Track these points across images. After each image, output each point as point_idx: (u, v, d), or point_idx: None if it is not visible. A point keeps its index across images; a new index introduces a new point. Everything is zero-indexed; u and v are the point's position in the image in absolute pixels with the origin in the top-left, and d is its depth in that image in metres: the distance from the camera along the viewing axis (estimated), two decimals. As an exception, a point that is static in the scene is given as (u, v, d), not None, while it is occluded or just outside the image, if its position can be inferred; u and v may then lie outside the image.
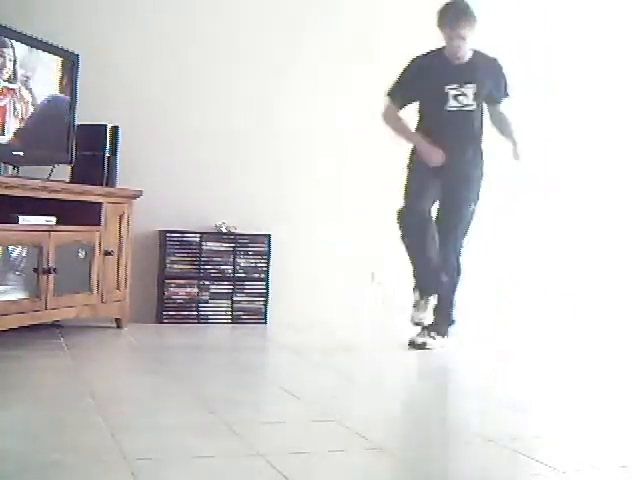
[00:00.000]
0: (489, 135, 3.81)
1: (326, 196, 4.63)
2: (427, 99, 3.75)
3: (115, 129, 3.88)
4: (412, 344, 3.66)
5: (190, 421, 2.18)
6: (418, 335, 3.68)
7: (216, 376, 2.91)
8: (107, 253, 3.68)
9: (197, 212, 4.32)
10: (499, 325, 4.59)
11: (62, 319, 3.56)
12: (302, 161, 4.58)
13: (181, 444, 1.93)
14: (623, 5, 5.28)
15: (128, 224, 3.86)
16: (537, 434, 2.23)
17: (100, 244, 3.65)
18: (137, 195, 3.89)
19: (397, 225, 3.64)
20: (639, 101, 5.38)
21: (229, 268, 4.27)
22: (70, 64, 3.67)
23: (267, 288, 4.34)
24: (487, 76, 3.71)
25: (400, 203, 3.69)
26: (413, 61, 3.76)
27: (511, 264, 4.92)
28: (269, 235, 4.36)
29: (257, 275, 4.32)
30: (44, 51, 3.50)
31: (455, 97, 3.66)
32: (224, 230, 4.30)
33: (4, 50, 3.29)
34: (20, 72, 3.38)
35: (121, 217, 3.81)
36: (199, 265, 4.22)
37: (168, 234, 4.17)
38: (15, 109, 3.37)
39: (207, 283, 4.23)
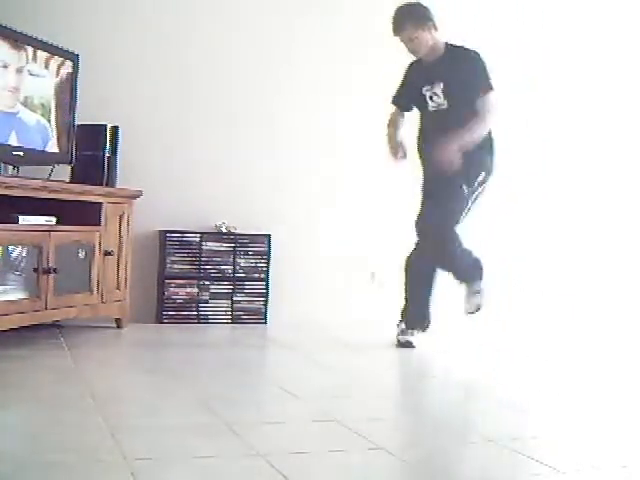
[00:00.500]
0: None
1: (326, 196, 4.63)
2: (416, 102, 3.78)
3: (115, 129, 3.88)
4: (398, 343, 3.73)
5: (190, 421, 2.18)
6: (401, 334, 3.74)
7: (216, 376, 2.91)
8: (107, 253, 3.68)
9: (197, 212, 4.32)
10: (501, 322, 4.59)
11: (62, 319, 3.56)
12: (302, 161, 4.58)
13: (181, 444, 1.93)
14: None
15: (128, 224, 3.86)
16: (537, 434, 2.23)
17: (100, 244, 3.65)
18: (137, 195, 3.89)
19: None
20: (637, 100, 5.39)
21: (229, 268, 4.27)
22: (70, 64, 3.67)
23: (267, 288, 4.34)
24: (458, 71, 3.58)
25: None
26: (409, 66, 3.82)
27: (508, 262, 4.91)
28: (269, 235, 4.36)
29: (257, 275, 4.32)
30: (44, 51, 3.50)
31: (430, 98, 3.68)
32: (224, 230, 4.30)
33: (4, 50, 3.28)
34: (20, 72, 3.38)
35: (121, 217, 3.81)
36: (199, 265, 4.22)
37: (168, 234, 4.17)
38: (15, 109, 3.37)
39: (207, 283, 4.24)
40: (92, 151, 3.81)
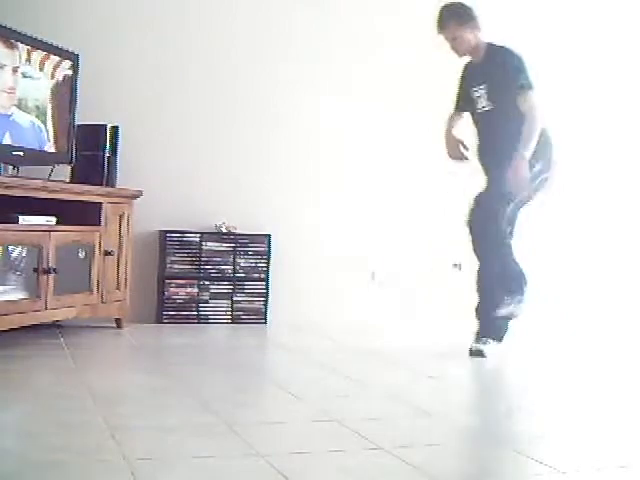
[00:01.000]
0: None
1: (326, 196, 4.63)
2: (469, 104, 3.73)
3: (115, 129, 3.88)
4: (471, 352, 3.53)
5: (190, 421, 2.18)
6: (474, 342, 3.56)
7: (216, 376, 2.91)
8: (107, 253, 3.68)
9: (197, 212, 4.33)
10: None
11: (62, 319, 3.56)
12: (302, 161, 4.58)
13: (181, 444, 1.93)
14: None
15: (128, 224, 3.86)
16: (537, 434, 2.23)
17: (100, 244, 3.65)
18: (137, 195, 3.89)
19: None
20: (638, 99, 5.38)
21: (229, 268, 4.27)
22: (70, 64, 3.67)
23: (267, 288, 4.34)
24: (499, 71, 3.53)
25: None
26: (464, 66, 3.77)
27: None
28: (269, 235, 4.36)
29: (257, 275, 4.32)
30: (44, 51, 3.50)
31: (478, 99, 3.65)
32: (224, 230, 4.30)
33: (4, 50, 3.28)
34: (20, 72, 3.38)
35: (121, 217, 3.81)
36: (199, 265, 4.22)
37: (168, 234, 4.17)
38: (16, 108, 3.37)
39: (207, 283, 4.24)
40: (92, 151, 3.81)
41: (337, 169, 4.64)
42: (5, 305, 3.07)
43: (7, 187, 3.11)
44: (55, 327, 3.74)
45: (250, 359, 3.38)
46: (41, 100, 3.52)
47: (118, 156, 3.88)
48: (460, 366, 3.34)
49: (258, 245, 4.33)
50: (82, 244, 3.56)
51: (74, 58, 3.69)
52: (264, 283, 4.33)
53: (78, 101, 3.71)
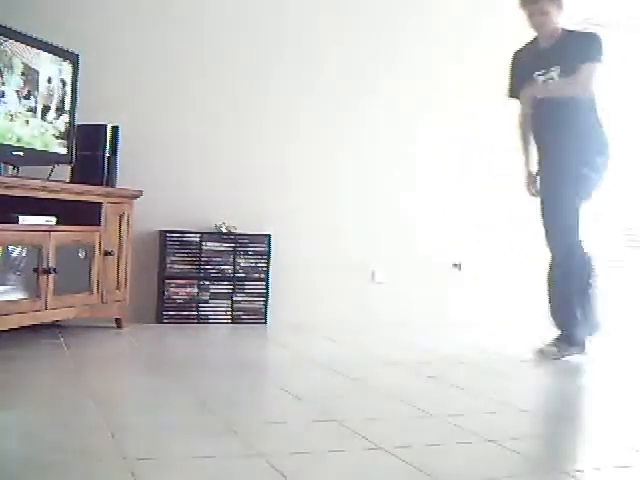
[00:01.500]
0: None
1: (326, 196, 4.63)
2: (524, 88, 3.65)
3: (115, 129, 3.87)
4: (541, 352, 3.49)
5: (190, 421, 2.18)
6: (547, 345, 3.51)
7: (216, 376, 2.91)
8: (107, 253, 3.68)
9: (197, 212, 4.33)
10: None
11: (62, 319, 3.56)
12: (302, 161, 4.58)
13: (181, 444, 1.93)
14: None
15: (128, 224, 3.86)
16: (537, 434, 2.23)
17: (100, 244, 3.65)
18: (137, 195, 3.89)
19: None
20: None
21: (229, 268, 4.27)
22: (70, 64, 3.67)
23: (267, 288, 4.34)
24: (574, 53, 3.47)
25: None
26: (514, 56, 3.74)
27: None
28: (269, 235, 4.36)
29: (257, 275, 4.32)
30: (44, 51, 3.50)
31: (544, 82, 3.57)
32: (224, 230, 4.30)
33: (5, 50, 3.28)
34: (20, 72, 3.38)
35: (121, 217, 3.81)
36: (199, 265, 4.22)
37: (168, 234, 4.17)
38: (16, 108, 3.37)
39: (207, 283, 4.24)
40: (92, 151, 3.81)
41: (337, 169, 4.64)
42: (5, 305, 3.07)
43: (7, 187, 3.11)
44: (55, 327, 3.74)
45: (250, 359, 3.38)
46: (41, 100, 3.51)
47: (118, 156, 3.88)
48: (460, 366, 3.34)
49: (258, 245, 4.33)
50: (82, 244, 3.56)
51: (74, 58, 3.69)
52: (264, 283, 4.33)
53: (78, 101, 3.72)
